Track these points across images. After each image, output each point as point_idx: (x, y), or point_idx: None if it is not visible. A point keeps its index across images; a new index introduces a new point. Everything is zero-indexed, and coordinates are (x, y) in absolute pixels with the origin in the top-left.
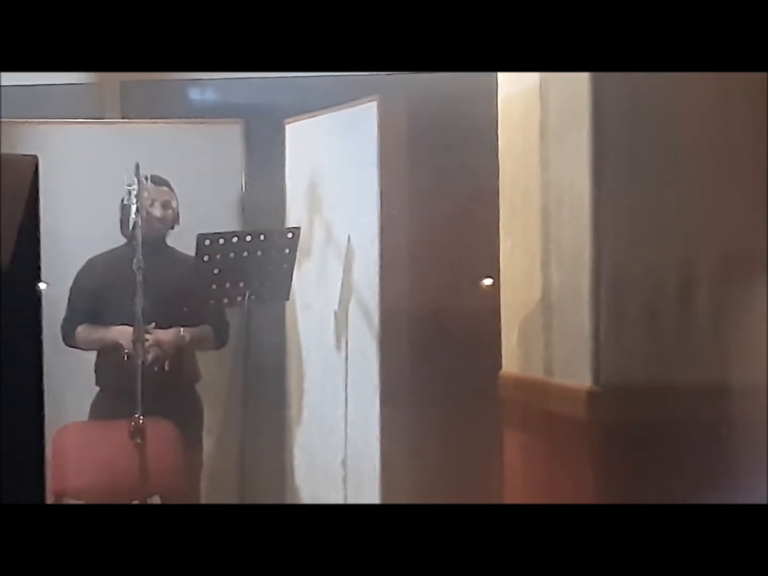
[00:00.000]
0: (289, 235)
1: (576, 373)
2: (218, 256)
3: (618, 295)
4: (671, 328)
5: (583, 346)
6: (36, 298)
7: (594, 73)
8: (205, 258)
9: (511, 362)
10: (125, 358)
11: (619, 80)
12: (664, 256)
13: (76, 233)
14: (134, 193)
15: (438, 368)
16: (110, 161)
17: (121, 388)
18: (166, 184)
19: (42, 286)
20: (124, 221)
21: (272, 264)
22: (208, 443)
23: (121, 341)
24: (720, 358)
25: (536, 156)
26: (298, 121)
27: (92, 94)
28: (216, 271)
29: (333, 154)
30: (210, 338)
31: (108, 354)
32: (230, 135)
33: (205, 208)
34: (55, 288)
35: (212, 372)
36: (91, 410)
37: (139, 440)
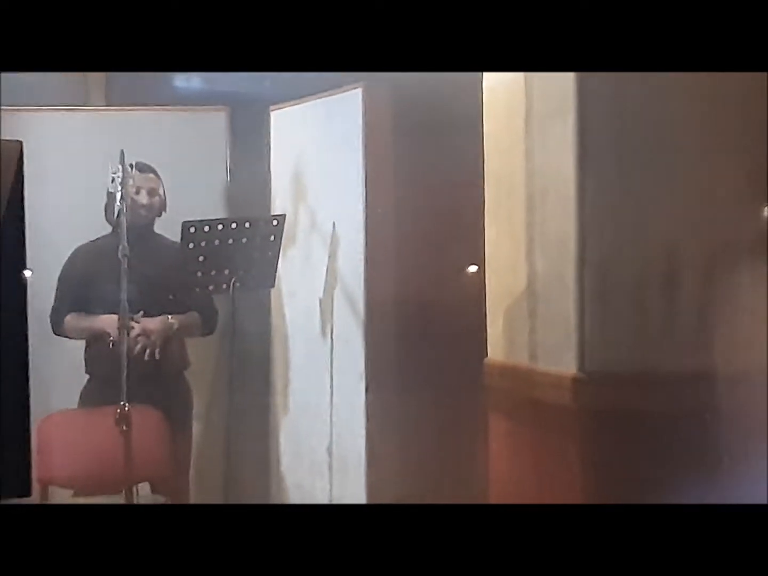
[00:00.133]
0: (274, 222)
1: (561, 360)
2: (203, 244)
3: (603, 283)
4: (656, 315)
5: (568, 334)
6: (21, 285)
7: None
8: (191, 245)
9: (496, 350)
10: (110, 345)
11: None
12: (648, 244)
13: (61, 221)
14: (119, 180)
15: (423, 355)
16: (95, 149)
17: (110, 376)
18: (153, 171)
19: (27, 273)
20: (109, 209)
21: (257, 251)
22: (194, 430)
23: (109, 330)
24: (704, 345)
25: (521, 144)
26: (283, 108)
27: (77, 81)
28: (201, 258)
29: (318, 141)
30: (198, 325)
31: (97, 342)
32: (215, 122)
33: (190, 196)
34: (39, 275)
35: (198, 359)
36: (80, 398)
37: (124, 427)
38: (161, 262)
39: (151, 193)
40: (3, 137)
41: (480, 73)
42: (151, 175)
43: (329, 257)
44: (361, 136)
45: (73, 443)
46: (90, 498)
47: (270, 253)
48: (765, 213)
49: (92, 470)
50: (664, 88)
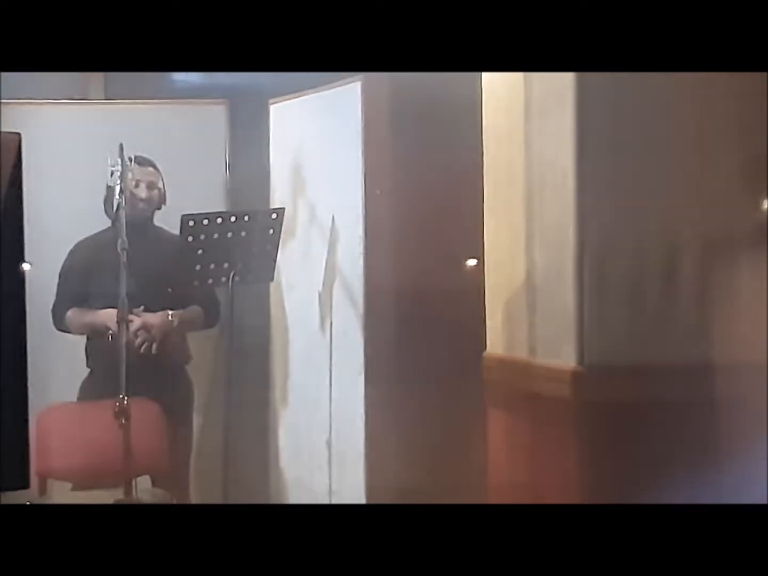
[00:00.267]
0: (274, 215)
1: (560, 353)
2: (202, 237)
3: (602, 275)
4: (655, 307)
5: (567, 326)
6: (19, 278)
7: None
8: (190, 239)
9: (495, 342)
10: (109, 339)
11: None
12: (647, 235)
13: (60, 214)
14: (118, 174)
15: (422, 349)
16: (94, 142)
17: (110, 370)
18: (152, 164)
19: (25, 266)
20: (108, 202)
21: (256, 245)
22: (194, 424)
23: (109, 324)
24: (703, 338)
25: (520, 135)
26: (282, 101)
27: (76, 74)
28: (200, 251)
29: (317, 134)
30: (199, 319)
31: (98, 336)
32: (215, 116)
33: (190, 189)
34: (38, 269)
35: (198, 353)
36: (80, 391)
37: (123, 421)
38: (161, 256)
39: (150, 186)
40: (2, 130)
41: None
42: (150, 169)
43: (328, 250)
44: (360, 129)
45: (72, 436)
46: (89, 491)
47: (269, 246)
48: (764, 205)
49: (91, 463)
50: (663, 79)
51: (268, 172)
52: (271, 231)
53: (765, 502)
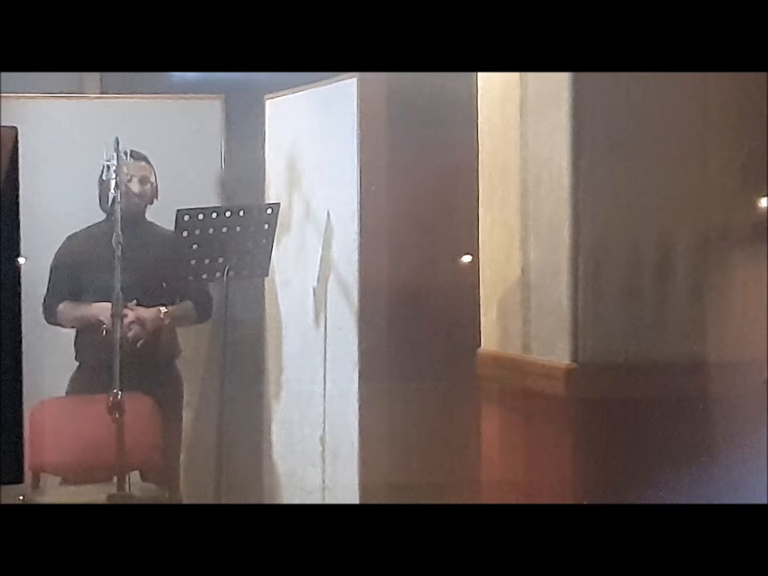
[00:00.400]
0: (269, 211)
1: (554, 350)
2: (197, 232)
3: (596, 272)
4: (649, 304)
5: (562, 323)
6: (16, 272)
7: None
8: (185, 233)
9: (489, 339)
10: (104, 333)
11: None
12: (642, 233)
13: (55, 208)
14: (113, 168)
15: (417, 345)
16: (90, 136)
17: (100, 363)
18: (144, 158)
19: (20, 260)
20: (103, 197)
21: (251, 240)
22: (186, 418)
23: (102, 317)
24: (698, 335)
25: (515, 132)
26: (278, 97)
27: None
28: (195, 246)
29: (313, 130)
30: (192, 314)
31: (89, 330)
32: (210, 111)
33: (185, 184)
34: (33, 263)
35: (191, 347)
36: (69, 385)
37: (116, 415)
38: (153, 251)
39: (143, 180)
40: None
41: None
42: (143, 163)
43: (323, 246)
44: (355, 125)
45: (65, 431)
46: (80, 486)
47: (264, 241)
48: (759, 203)
49: (84, 458)
50: (658, 78)
51: (264, 168)
52: (266, 226)
53: (765, 502)
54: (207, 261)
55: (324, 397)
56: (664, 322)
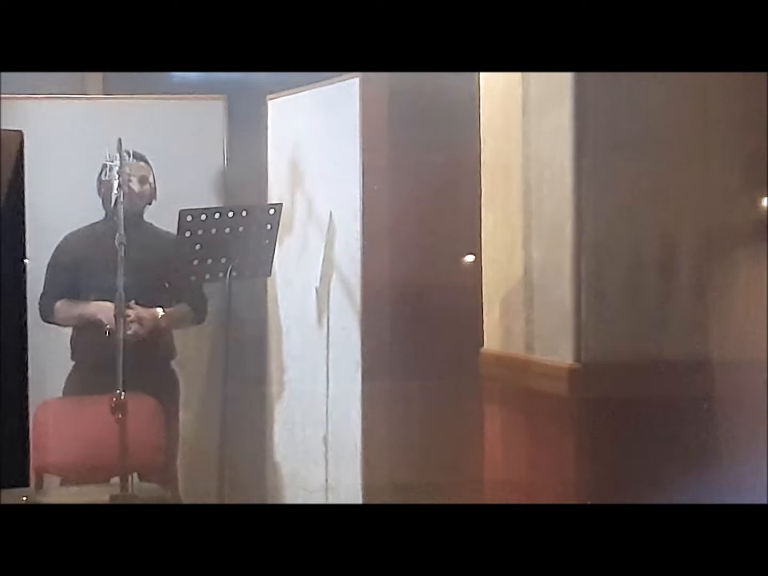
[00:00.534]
0: (271, 211)
1: (557, 350)
2: (200, 232)
3: (599, 271)
4: (652, 304)
5: (565, 323)
6: (20, 274)
7: None
8: (187, 234)
9: (492, 339)
10: (107, 333)
11: None
12: (645, 232)
13: (57, 209)
14: (116, 168)
15: (419, 344)
16: (92, 137)
17: (97, 362)
18: (143, 159)
19: (25, 262)
20: (106, 197)
21: (254, 240)
22: (188, 419)
23: (101, 317)
24: (700, 334)
25: (518, 132)
26: (280, 97)
27: None
28: (198, 246)
29: (315, 130)
30: (188, 317)
31: (87, 329)
32: (213, 111)
33: (187, 184)
34: (34, 262)
35: (193, 348)
36: (66, 385)
37: (120, 416)
38: (152, 251)
39: (142, 181)
40: (1, 125)
41: None
42: (142, 163)
43: (326, 246)
44: (358, 125)
45: (68, 431)
46: (83, 486)
47: (267, 241)
48: (762, 202)
49: (88, 458)
50: (660, 77)
51: (266, 168)
52: (269, 226)
53: (765, 502)
54: (210, 261)
55: (327, 397)
56: (666, 321)
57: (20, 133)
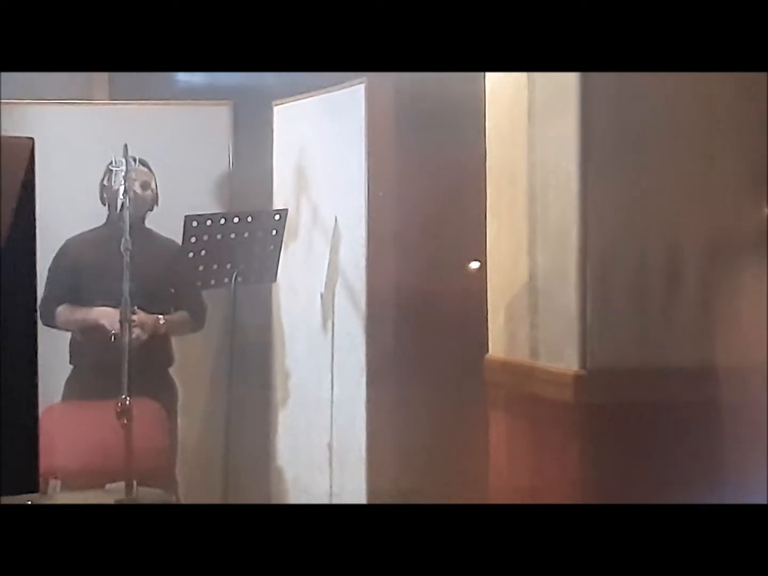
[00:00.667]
0: (277, 216)
1: (562, 356)
2: (205, 238)
3: (604, 277)
4: (658, 310)
5: (570, 329)
6: (32, 279)
7: None
8: (193, 239)
9: (497, 345)
10: (112, 339)
11: None
12: (650, 238)
13: (63, 214)
14: (122, 174)
15: (424, 350)
16: (99, 142)
17: (96, 367)
18: (145, 164)
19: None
20: (111, 202)
21: (259, 246)
22: (192, 424)
23: (103, 321)
24: (706, 341)
25: (523, 138)
26: (286, 103)
27: (81, 75)
28: (203, 252)
29: (321, 136)
30: (186, 324)
31: (89, 334)
32: (218, 117)
33: (193, 190)
34: (42, 267)
35: (198, 353)
36: (65, 389)
37: (125, 421)
38: (152, 257)
39: (144, 186)
40: (8, 130)
41: None
42: (144, 169)
43: (331, 251)
44: (363, 131)
45: (74, 435)
46: (86, 492)
47: (272, 247)
48: (766, 209)
49: (93, 463)
50: (666, 82)
51: (272, 173)
52: (274, 232)
53: (765, 502)
54: (215, 267)
55: (331, 403)
56: (672, 327)
57: (31, 140)
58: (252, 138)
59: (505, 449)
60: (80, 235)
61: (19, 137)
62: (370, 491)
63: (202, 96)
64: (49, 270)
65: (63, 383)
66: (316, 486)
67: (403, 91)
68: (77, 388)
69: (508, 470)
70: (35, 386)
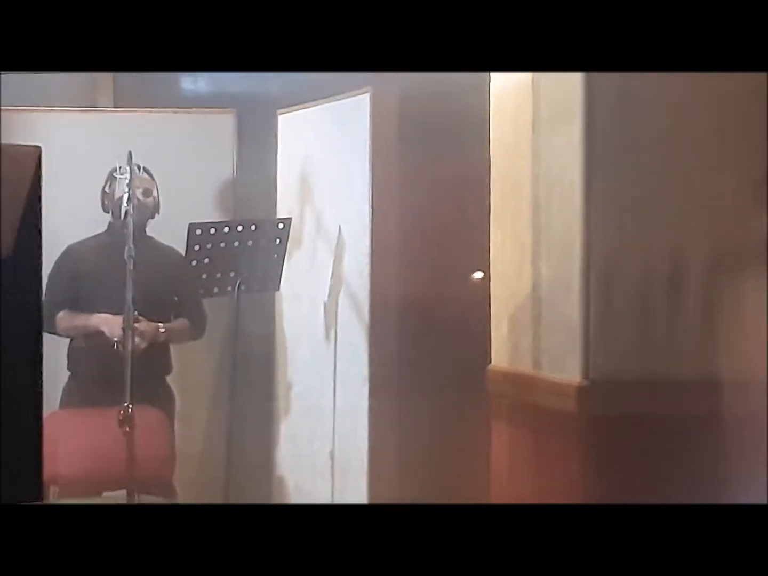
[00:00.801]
0: (280, 225)
1: (565, 367)
2: (209, 246)
3: (608, 288)
4: (661, 321)
5: (573, 339)
6: (38, 287)
7: None
8: (196, 248)
9: (500, 355)
10: (115, 346)
11: (610, 74)
12: (654, 248)
13: (68, 221)
14: (126, 181)
15: (427, 360)
16: (103, 150)
17: (95, 374)
18: (148, 172)
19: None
20: (114, 210)
21: (263, 254)
22: (193, 433)
23: (104, 328)
24: (710, 351)
25: (527, 148)
26: (290, 111)
27: (85, 82)
28: (206, 260)
29: (325, 145)
30: (186, 332)
31: (89, 340)
32: (223, 125)
33: (197, 198)
34: (45, 274)
35: (200, 362)
36: (63, 396)
37: (127, 429)
38: (154, 265)
39: (146, 194)
40: (12, 137)
41: (487, 78)
42: (146, 176)
43: (334, 261)
44: (367, 140)
45: (76, 442)
46: (88, 498)
47: (275, 255)
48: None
49: (95, 470)
50: (671, 94)
51: (276, 182)
52: (278, 241)
53: (765, 502)
54: (218, 275)
55: (334, 412)
56: (676, 339)
57: (38, 148)
58: (256, 146)
59: (508, 459)
60: (81, 241)
61: (26, 145)
62: (372, 500)
63: (206, 104)
64: (50, 276)
65: (60, 389)
66: (318, 495)
67: (407, 101)
68: (76, 395)
69: (510, 480)
70: (39, 394)
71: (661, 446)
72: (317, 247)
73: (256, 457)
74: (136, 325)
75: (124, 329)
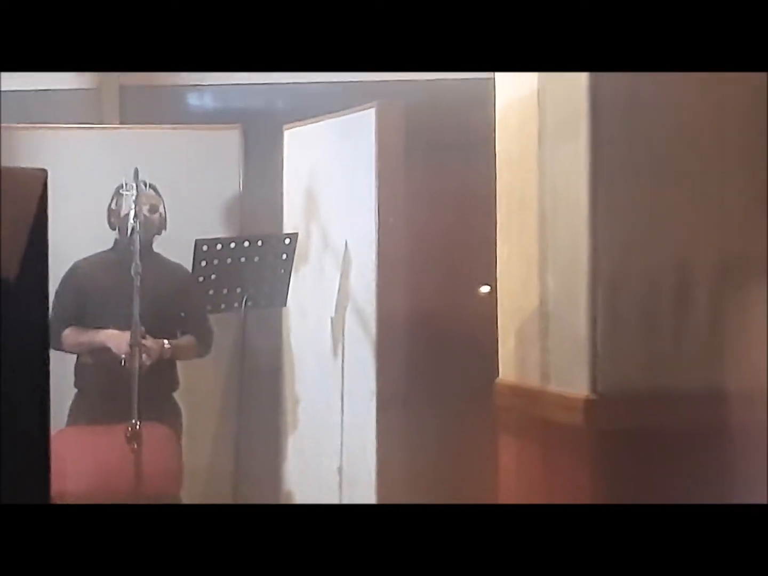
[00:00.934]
0: (287, 240)
1: (573, 380)
2: (216, 262)
3: (615, 301)
4: (669, 334)
5: (580, 353)
6: (44, 311)
7: (592, 79)
8: (203, 263)
9: (507, 369)
10: (122, 362)
11: (616, 87)
12: (660, 262)
13: (74, 238)
14: (132, 198)
15: (434, 375)
16: (109, 166)
17: (102, 391)
18: (154, 188)
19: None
20: (121, 227)
21: (269, 270)
22: (201, 448)
23: (110, 344)
24: (718, 364)
25: (533, 162)
26: (296, 126)
27: (91, 99)
28: (213, 276)
29: (331, 160)
30: (193, 348)
31: (96, 357)
32: (229, 140)
33: (203, 214)
34: (52, 291)
35: (207, 377)
36: (70, 412)
37: (135, 445)
38: (161, 281)
39: (152, 210)
40: (19, 155)
41: (493, 91)
42: (153, 193)
43: (341, 276)
44: (374, 155)
45: (85, 459)
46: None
47: (282, 271)
48: None
49: (104, 486)
50: (676, 105)
51: (282, 197)
52: (284, 256)
53: (765, 502)
54: (225, 291)
55: (341, 427)
56: (684, 351)
57: (45, 171)
58: (262, 162)
59: (516, 473)
60: (88, 258)
61: (32, 169)
62: None
63: (212, 120)
64: (56, 293)
65: (67, 406)
66: None
67: (413, 116)
68: (83, 412)
69: (518, 494)
70: (47, 411)
71: (670, 459)
72: (324, 262)
73: (263, 472)
74: (143, 341)
75: (130, 345)
